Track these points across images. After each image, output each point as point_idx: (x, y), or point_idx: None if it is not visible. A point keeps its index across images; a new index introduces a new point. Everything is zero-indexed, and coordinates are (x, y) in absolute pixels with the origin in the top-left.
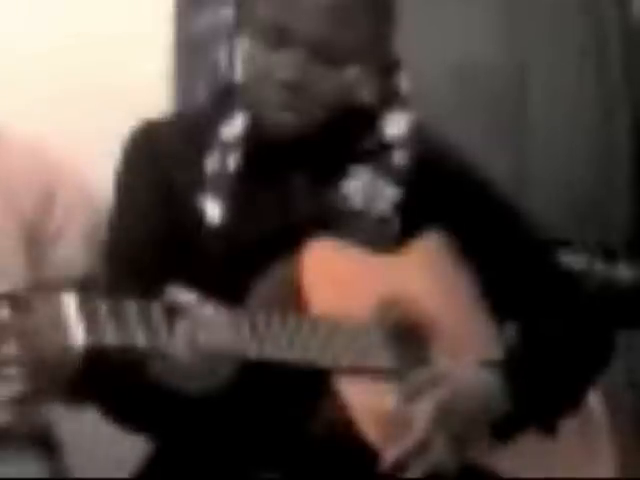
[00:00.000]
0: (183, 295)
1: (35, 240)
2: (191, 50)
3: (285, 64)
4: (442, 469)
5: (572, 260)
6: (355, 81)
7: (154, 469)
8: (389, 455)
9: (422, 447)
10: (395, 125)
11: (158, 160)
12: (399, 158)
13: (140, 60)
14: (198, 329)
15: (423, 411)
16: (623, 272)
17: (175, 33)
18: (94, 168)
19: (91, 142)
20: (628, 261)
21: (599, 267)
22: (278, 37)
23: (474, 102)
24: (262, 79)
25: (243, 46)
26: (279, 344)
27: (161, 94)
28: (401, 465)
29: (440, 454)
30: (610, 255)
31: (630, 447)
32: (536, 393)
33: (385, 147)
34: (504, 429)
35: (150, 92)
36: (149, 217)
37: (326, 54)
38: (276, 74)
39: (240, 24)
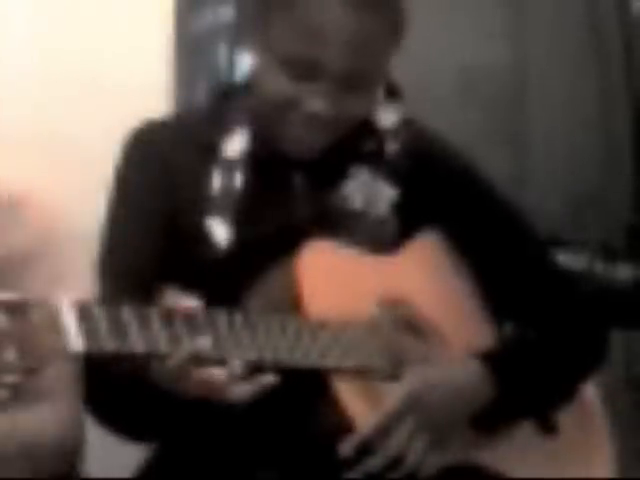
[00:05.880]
0: (182, 299)
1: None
2: (191, 50)
3: (315, 97)
4: (412, 460)
5: (572, 260)
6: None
7: (153, 470)
8: (351, 438)
9: (384, 430)
10: (388, 116)
11: (157, 161)
12: (392, 149)
13: (140, 60)
14: (197, 333)
15: (394, 395)
16: (623, 272)
17: (175, 33)
18: (94, 168)
19: (91, 142)
20: (628, 261)
21: (599, 267)
22: (305, 69)
23: (474, 101)
24: (287, 110)
25: (260, 74)
26: (279, 346)
27: (161, 94)
28: (362, 447)
29: (405, 441)
30: (610, 255)
31: (628, 444)
32: (523, 384)
33: (383, 147)
34: (488, 419)
35: (150, 92)
36: (147, 217)
37: (354, 83)
38: (305, 106)
39: (255, 50)
